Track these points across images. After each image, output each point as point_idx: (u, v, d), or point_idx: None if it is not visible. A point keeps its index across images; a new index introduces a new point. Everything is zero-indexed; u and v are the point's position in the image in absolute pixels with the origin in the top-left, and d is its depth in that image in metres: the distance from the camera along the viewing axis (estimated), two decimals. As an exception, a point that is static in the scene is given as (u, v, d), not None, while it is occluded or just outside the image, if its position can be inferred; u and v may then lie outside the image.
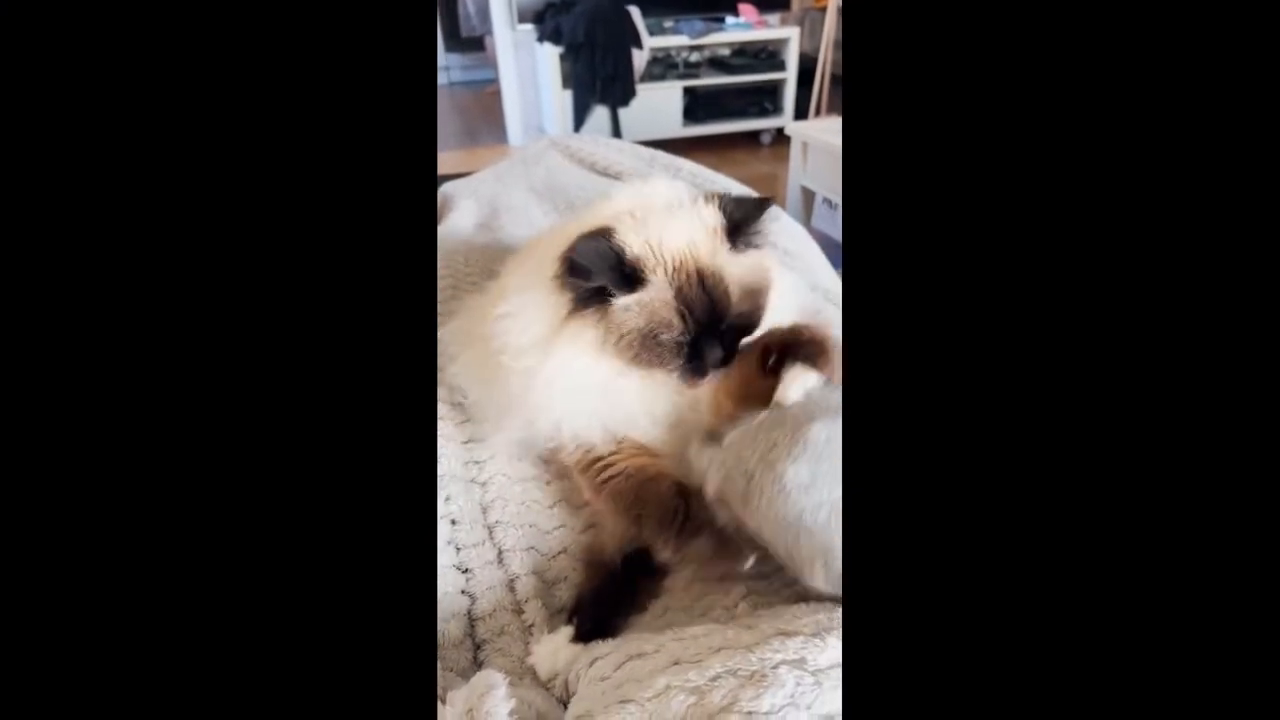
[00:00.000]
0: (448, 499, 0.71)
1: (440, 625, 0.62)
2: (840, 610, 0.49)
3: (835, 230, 2.32)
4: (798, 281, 0.81)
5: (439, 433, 0.76)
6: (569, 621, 0.62)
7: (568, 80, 3.19)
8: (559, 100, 3.24)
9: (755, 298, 0.64)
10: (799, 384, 0.57)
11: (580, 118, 3.21)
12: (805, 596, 0.59)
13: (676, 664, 0.47)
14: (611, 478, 0.65)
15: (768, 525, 0.53)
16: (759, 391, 0.62)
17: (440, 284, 0.97)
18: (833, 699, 0.42)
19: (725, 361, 0.62)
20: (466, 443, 0.77)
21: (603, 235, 0.61)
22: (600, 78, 3.09)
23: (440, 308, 0.89)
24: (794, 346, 0.62)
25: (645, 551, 0.64)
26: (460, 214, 1.23)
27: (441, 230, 1.16)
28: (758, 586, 0.61)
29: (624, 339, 0.61)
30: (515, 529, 0.70)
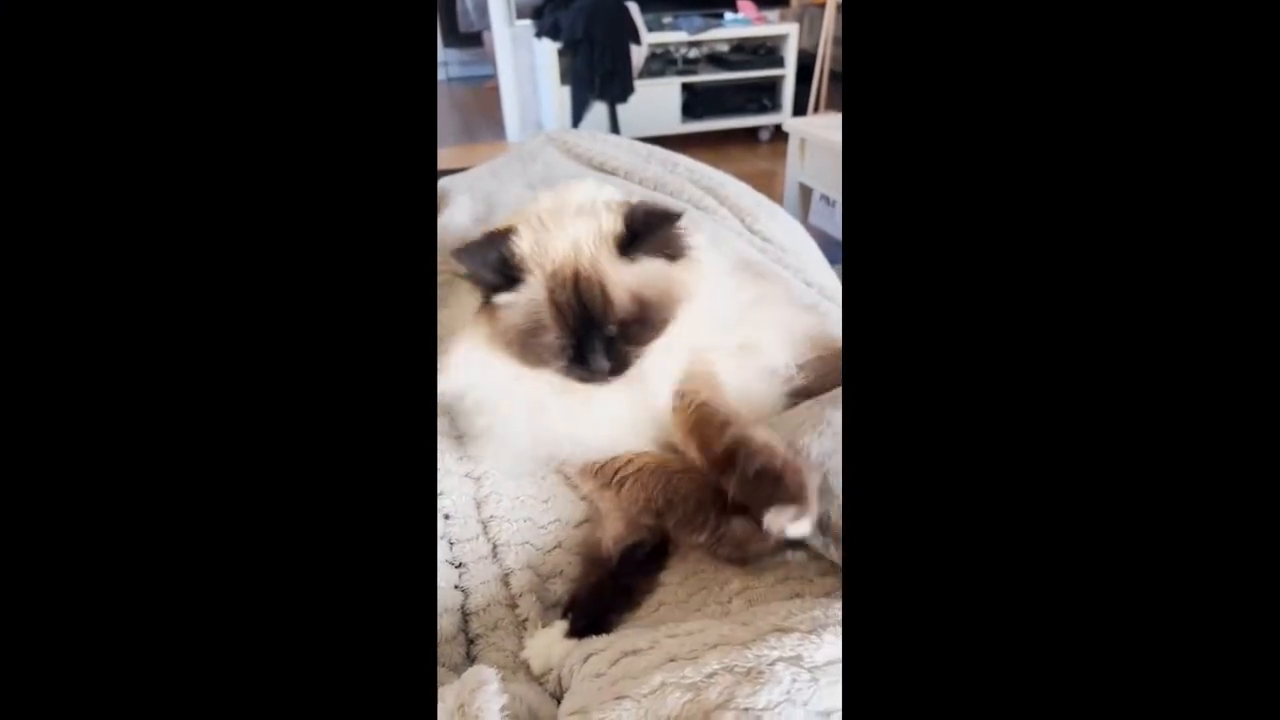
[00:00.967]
0: (441, 494, 0.71)
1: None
2: (837, 606, 0.49)
3: (832, 227, 2.32)
4: (739, 297, 0.77)
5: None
6: (563, 617, 0.62)
7: (566, 76, 3.18)
8: (557, 96, 3.23)
9: (646, 307, 0.64)
10: (784, 523, 0.57)
11: (578, 114, 3.20)
12: (800, 592, 0.59)
13: (672, 660, 0.47)
14: (626, 477, 0.66)
15: None
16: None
17: (440, 277, 0.97)
18: (829, 695, 0.42)
19: (614, 371, 0.64)
20: (460, 438, 0.76)
21: (501, 235, 0.65)
22: (599, 74, 3.08)
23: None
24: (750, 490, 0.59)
25: (640, 546, 0.64)
26: (456, 209, 1.22)
27: (438, 225, 1.16)
28: (752, 582, 0.61)
29: (506, 334, 0.64)
30: (509, 524, 0.70)
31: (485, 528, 0.70)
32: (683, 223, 0.66)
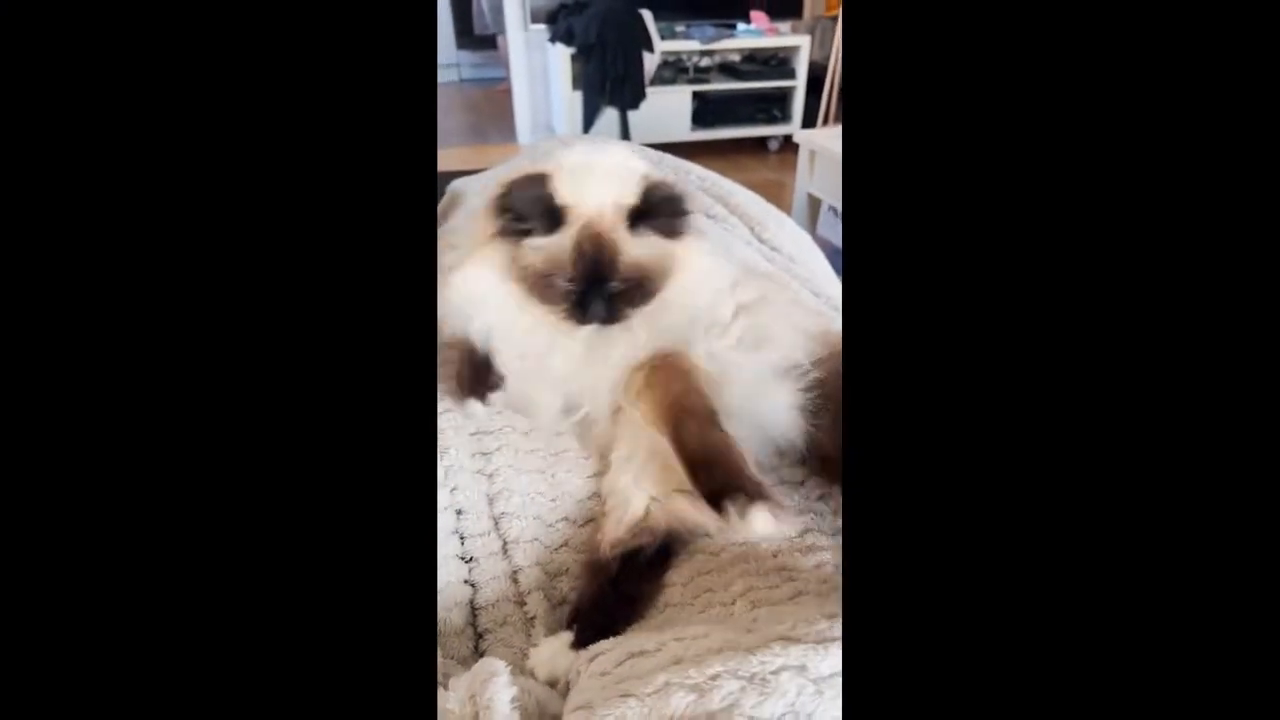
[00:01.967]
0: (454, 489, 0.72)
1: (442, 613, 0.63)
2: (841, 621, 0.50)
3: (840, 238, 2.33)
4: (740, 295, 0.80)
5: (448, 425, 0.77)
6: (568, 627, 0.62)
7: (578, 81, 3.20)
8: (569, 100, 3.26)
9: (644, 278, 0.72)
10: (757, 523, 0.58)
11: (590, 119, 3.22)
12: (802, 591, 0.60)
13: (678, 663, 0.48)
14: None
15: None
16: None
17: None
18: (833, 709, 0.43)
19: (606, 320, 0.71)
20: (475, 434, 0.78)
21: (540, 179, 0.71)
22: (611, 79, 3.10)
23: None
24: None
25: (642, 551, 0.65)
26: (470, 210, 1.24)
27: (450, 225, 1.17)
28: (755, 583, 0.62)
29: (525, 271, 0.71)
30: (520, 520, 0.71)
31: (496, 524, 0.71)
32: (689, 212, 0.74)
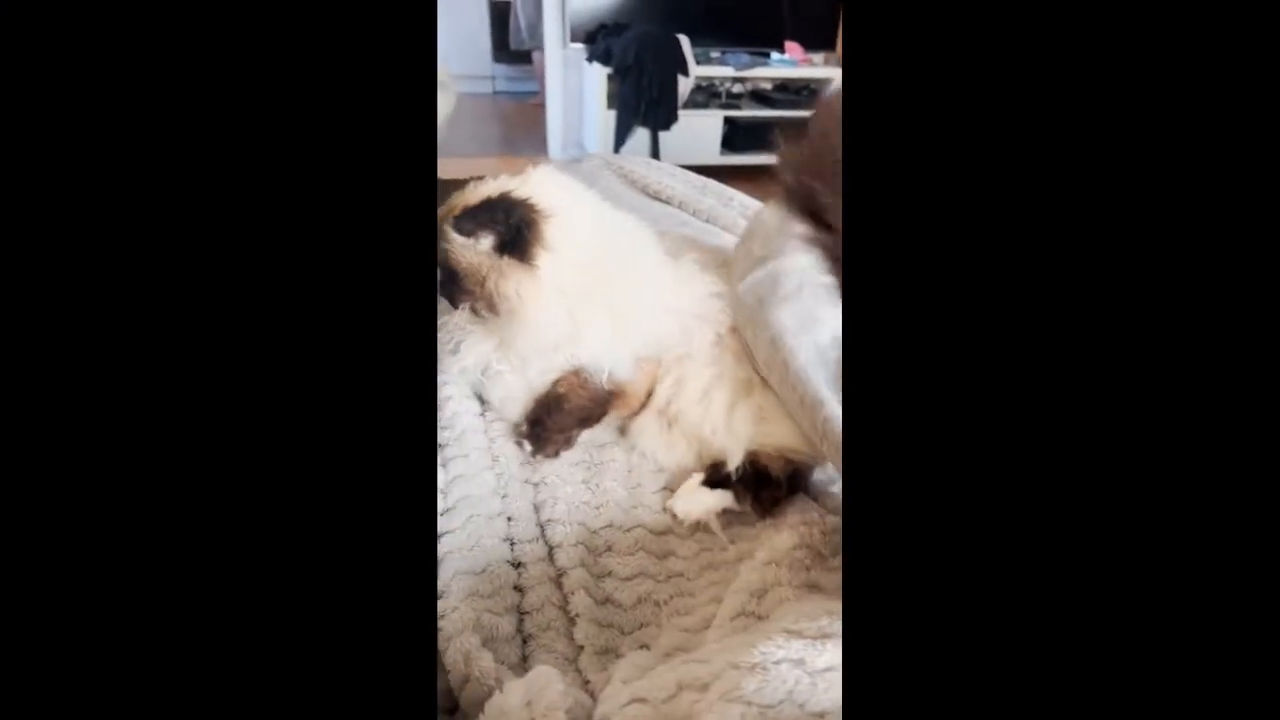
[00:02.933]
0: (505, 497, 0.74)
1: (493, 619, 0.64)
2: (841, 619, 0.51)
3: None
4: None
5: (499, 434, 0.79)
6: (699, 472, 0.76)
7: (612, 100, 3.26)
8: (602, 118, 3.31)
9: None
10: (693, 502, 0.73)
11: (622, 137, 3.27)
12: (815, 584, 0.62)
13: (689, 664, 0.51)
14: None
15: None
16: None
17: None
18: (827, 699, 0.46)
19: None
20: (521, 444, 0.79)
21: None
22: (645, 101, 3.15)
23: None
24: None
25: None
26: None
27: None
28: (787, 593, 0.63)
29: None
30: (564, 526, 0.73)
31: (542, 530, 0.73)
32: None
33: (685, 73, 3.20)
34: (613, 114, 3.26)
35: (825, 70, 3.53)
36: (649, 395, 0.82)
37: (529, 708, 0.51)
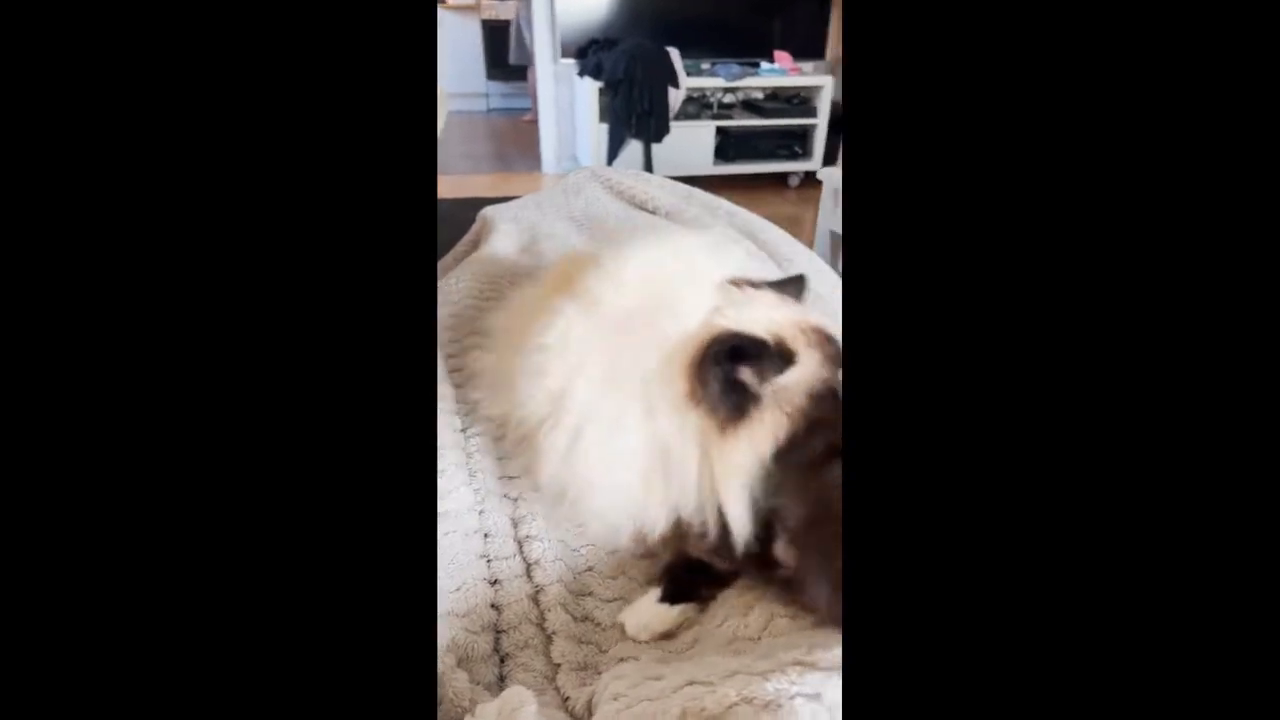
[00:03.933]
0: (482, 512, 0.73)
1: (469, 638, 0.63)
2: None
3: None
4: None
5: (476, 450, 0.78)
6: (656, 584, 0.65)
7: (604, 113, 3.28)
8: (594, 132, 3.33)
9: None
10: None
11: (614, 150, 3.28)
12: (824, 623, 0.60)
13: (690, 684, 0.48)
14: None
15: None
16: None
17: (486, 304, 1.00)
18: None
19: None
20: (501, 459, 0.78)
21: (736, 336, 0.60)
22: (636, 113, 3.17)
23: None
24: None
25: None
26: (501, 237, 1.26)
27: (486, 251, 1.19)
28: (778, 610, 0.62)
29: (796, 413, 0.60)
30: (542, 542, 0.72)
31: (520, 546, 0.71)
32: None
33: (676, 84, 3.22)
34: (605, 127, 3.28)
35: (816, 79, 3.55)
36: None
37: (499, 730, 0.49)
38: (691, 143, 3.41)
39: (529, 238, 1.28)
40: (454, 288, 1.05)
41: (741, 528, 0.60)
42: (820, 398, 0.61)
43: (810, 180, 3.20)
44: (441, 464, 0.74)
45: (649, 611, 0.64)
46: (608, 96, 3.22)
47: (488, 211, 1.44)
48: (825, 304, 1.10)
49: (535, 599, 0.68)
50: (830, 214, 2.46)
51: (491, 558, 0.70)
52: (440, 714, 0.55)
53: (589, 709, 0.57)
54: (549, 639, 0.65)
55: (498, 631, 0.66)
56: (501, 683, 0.62)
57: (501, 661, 0.65)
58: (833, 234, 2.48)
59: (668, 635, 0.64)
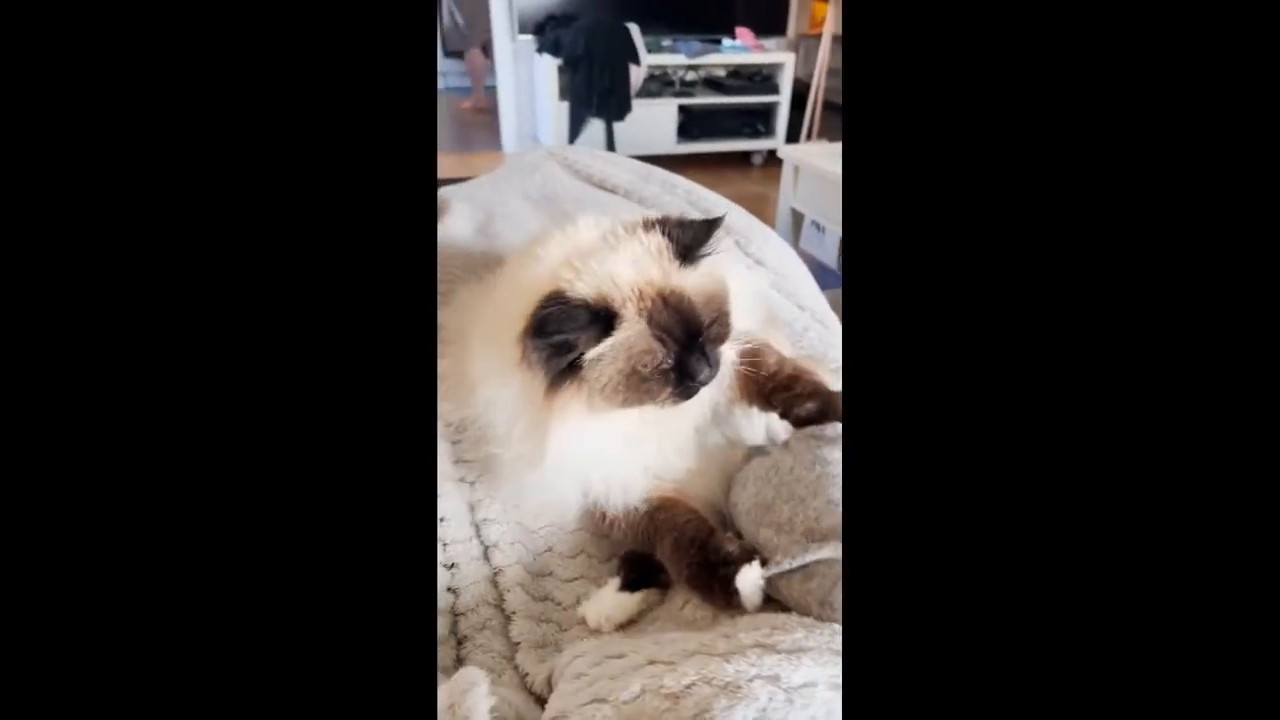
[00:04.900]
0: (437, 497, 0.72)
1: (424, 621, 0.62)
2: (819, 631, 0.50)
3: (822, 252, 2.36)
4: (756, 280, 0.87)
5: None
6: (616, 574, 0.65)
7: (564, 92, 3.22)
8: (555, 111, 3.27)
9: (719, 305, 0.64)
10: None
11: (576, 129, 3.24)
12: (784, 608, 0.61)
13: (651, 664, 0.48)
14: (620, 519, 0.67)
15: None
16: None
17: (441, 286, 0.98)
18: (802, 717, 0.43)
19: (713, 375, 0.63)
20: (456, 442, 0.77)
21: (556, 299, 0.59)
22: (597, 91, 3.12)
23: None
24: (792, 394, 0.68)
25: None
26: (457, 218, 1.24)
27: (440, 233, 1.17)
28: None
29: (606, 388, 0.60)
30: (500, 525, 0.71)
31: (478, 530, 0.71)
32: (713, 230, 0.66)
33: (637, 61, 3.18)
34: (565, 106, 3.23)
35: (778, 56, 3.54)
36: None
37: (451, 711, 0.49)
38: (654, 121, 3.38)
39: (484, 218, 1.26)
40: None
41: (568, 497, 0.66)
42: (634, 369, 0.60)
43: (773, 158, 3.20)
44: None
45: (610, 601, 0.63)
46: (567, 74, 3.17)
47: (444, 192, 1.41)
48: (783, 280, 1.11)
49: (494, 581, 0.68)
50: (790, 192, 2.47)
51: (447, 542, 0.70)
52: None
53: (549, 685, 0.57)
54: (508, 619, 0.65)
55: (455, 615, 0.66)
56: (459, 664, 0.62)
57: (459, 644, 0.64)
58: (794, 211, 2.49)
59: (630, 624, 0.64)
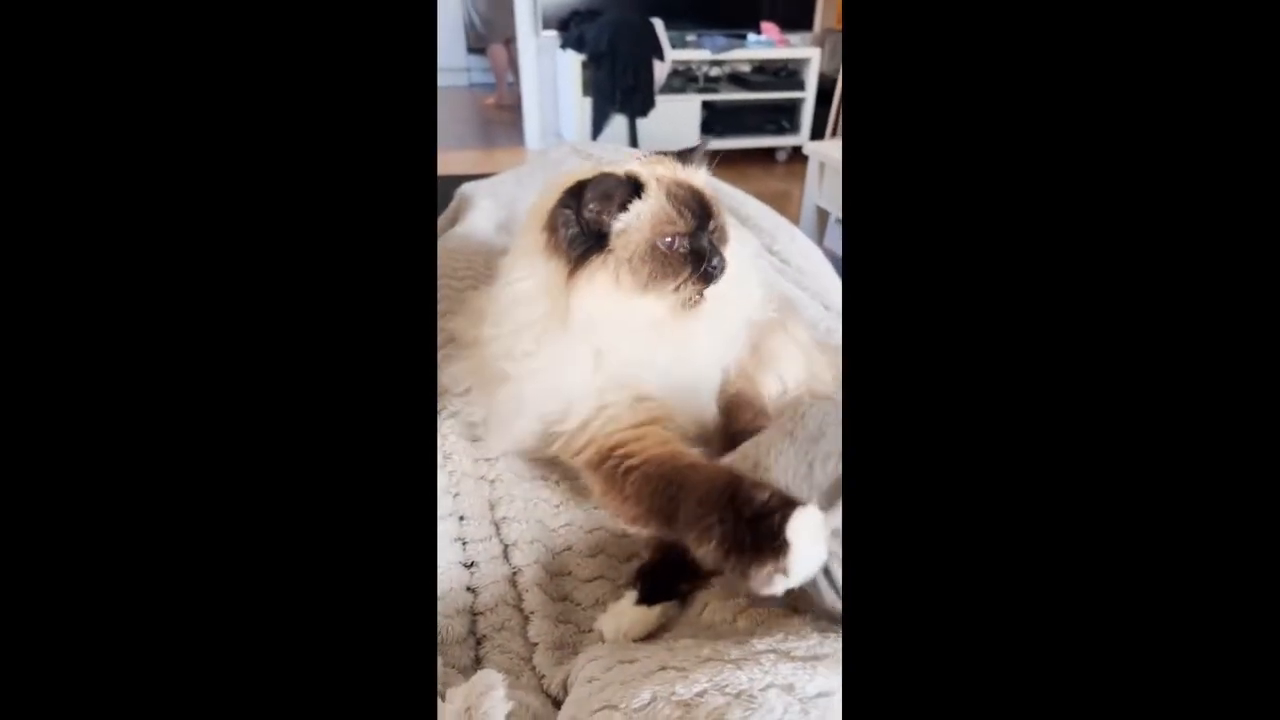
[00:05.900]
0: (457, 495, 0.72)
1: (444, 622, 0.62)
2: (834, 639, 0.49)
3: (847, 251, 2.32)
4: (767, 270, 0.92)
5: (450, 432, 0.77)
6: (633, 587, 0.63)
7: (588, 88, 3.21)
8: (578, 107, 3.27)
9: (720, 208, 0.72)
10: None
11: (599, 125, 3.23)
12: (797, 609, 0.59)
13: (663, 669, 0.47)
14: (635, 467, 0.63)
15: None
16: None
17: (461, 283, 0.98)
18: None
19: (724, 267, 0.68)
20: (476, 441, 0.77)
21: (590, 178, 0.65)
22: (621, 87, 3.11)
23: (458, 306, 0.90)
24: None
25: None
26: (479, 214, 1.24)
27: (461, 229, 1.17)
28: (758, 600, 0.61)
29: (634, 258, 0.65)
30: (520, 523, 0.71)
31: (498, 528, 0.71)
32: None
33: (661, 57, 3.16)
34: (589, 102, 3.22)
35: (803, 51, 3.49)
36: None
37: (468, 714, 0.48)
38: (677, 117, 3.36)
39: (507, 214, 1.26)
40: (429, 266, 1.03)
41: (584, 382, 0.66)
42: (660, 240, 0.66)
43: (797, 155, 3.16)
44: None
45: (628, 616, 0.61)
46: (591, 70, 3.16)
47: (466, 188, 1.41)
48: (808, 279, 1.09)
49: (513, 580, 0.68)
50: (815, 189, 2.44)
51: (467, 540, 0.69)
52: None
53: (565, 688, 0.56)
54: (526, 619, 0.64)
55: (474, 614, 0.65)
56: (478, 665, 0.61)
57: (478, 644, 0.64)
58: (819, 209, 2.46)
59: (649, 638, 0.61)
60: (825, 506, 0.52)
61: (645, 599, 0.61)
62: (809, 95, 3.50)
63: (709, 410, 0.73)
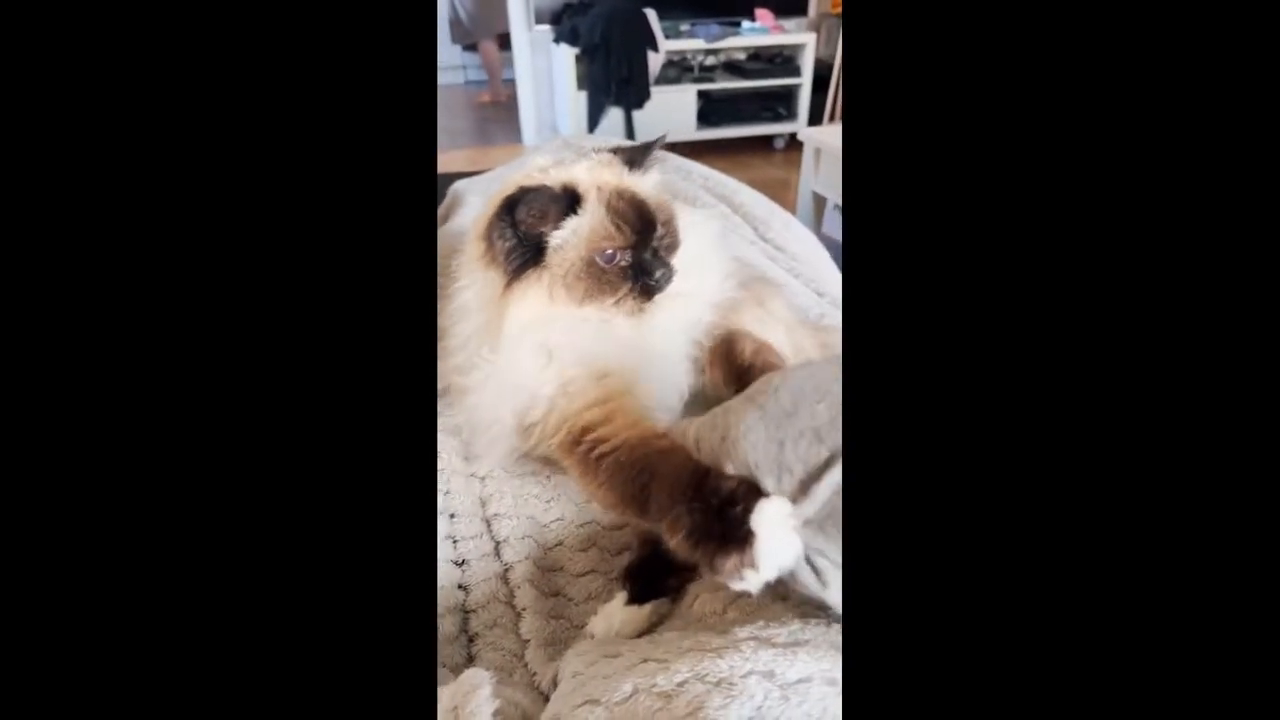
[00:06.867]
0: (447, 493, 0.71)
1: (437, 621, 0.62)
2: (815, 624, 0.49)
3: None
4: (730, 239, 0.91)
5: (440, 430, 0.76)
6: (623, 587, 0.62)
7: (583, 81, 3.20)
8: (574, 101, 3.25)
9: (668, 215, 0.69)
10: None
11: (595, 119, 3.22)
12: (786, 595, 0.58)
13: (645, 662, 0.47)
14: (607, 453, 0.62)
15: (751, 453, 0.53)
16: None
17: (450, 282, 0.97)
18: (798, 714, 0.41)
19: (668, 277, 0.66)
20: (466, 439, 0.77)
21: (526, 189, 0.64)
22: (615, 79, 3.09)
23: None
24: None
25: None
26: (470, 210, 1.23)
27: (451, 227, 1.16)
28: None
29: (569, 275, 0.64)
30: (511, 520, 0.70)
31: (489, 525, 0.70)
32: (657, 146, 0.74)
33: (655, 48, 3.14)
34: (584, 95, 3.21)
35: (799, 36, 3.46)
36: None
37: (454, 713, 0.48)
38: (673, 108, 3.34)
39: (497, 210, 1.25)
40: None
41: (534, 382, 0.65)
42: (598, 255, 0.64)
43: (795, 142, 3.14)
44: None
45: (619, 616, 0.59)
46: (585, 63, 3.14)
47: (458, 186, 1.41)
48: (801, 265, 1.08)
49: (504, 577, 0.67)
50: (811, 175, 2.42)
51: (458, 538, 0.69)
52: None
53: (554, 684, 0.56)
54: (519, 616, 0.64)
55: (466, 612, 0.65)
56: (470, 663, 0.61)
57: (470, 642, 0.64)
58: (815, 195, 2.44)
59: (641, 636, 0.60)
60: (796, 494, 0.50)
61: (635, 599, 0.60)
62: (805, 81, 3.47)
63: (682, 382, 0.72)
